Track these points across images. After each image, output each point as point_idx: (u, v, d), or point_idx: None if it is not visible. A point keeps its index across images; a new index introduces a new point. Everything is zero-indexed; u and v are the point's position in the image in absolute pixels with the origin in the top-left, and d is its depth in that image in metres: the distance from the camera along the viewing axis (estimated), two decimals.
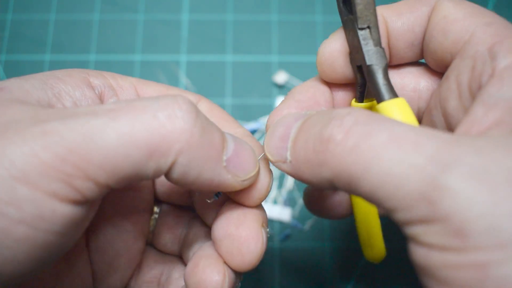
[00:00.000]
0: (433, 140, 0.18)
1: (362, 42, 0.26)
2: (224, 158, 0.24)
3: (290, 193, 0.50)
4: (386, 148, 0.18)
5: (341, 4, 0.27)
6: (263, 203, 0.50)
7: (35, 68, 0.54)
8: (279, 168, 0.25)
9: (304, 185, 0.50)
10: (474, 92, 0.23)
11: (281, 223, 0.49)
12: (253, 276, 0.47)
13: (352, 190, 0.20)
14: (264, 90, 0.54)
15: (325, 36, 0.57)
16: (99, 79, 0.28)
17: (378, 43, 0.26)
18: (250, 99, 0.53)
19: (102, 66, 0.54)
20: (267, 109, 0.53)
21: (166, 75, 0.54)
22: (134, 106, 0.21)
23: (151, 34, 0.56)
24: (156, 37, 0.56)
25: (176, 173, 0.22)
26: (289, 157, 0.23)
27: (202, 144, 0.22)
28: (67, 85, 0.26)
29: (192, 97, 0.31)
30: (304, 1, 0.58)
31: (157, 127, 0.20)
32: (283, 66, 0.55)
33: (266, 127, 0.28)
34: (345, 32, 0.28)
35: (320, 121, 0.22)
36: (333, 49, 0.28)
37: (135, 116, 0.20)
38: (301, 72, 0.54)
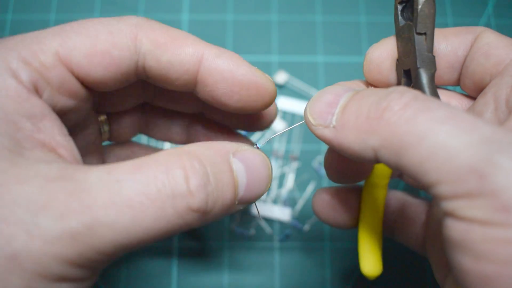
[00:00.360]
0: (489, 125, 0.19)
1: (416, 46, 0.27)
2: (236, 202, 0.25)
3: (290, 193, 0.50)
4: (443, 123, 0.19)
5: (399, 12, 0.29)
6: (263, 203, 0.50)
7: None
8: (316, 133, 0.25)
9: (305, 185, 0.50)
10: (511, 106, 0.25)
11: (281, 223, 0.49)
12: (253, 275, 0.47)
13: (396, 160, 0.21)
14: None
15: (326, 36, 0.58)
16: (24, 71, 0.24)
17: (430, 50, 0.28)
18: None
19: None
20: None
21: None
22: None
23: None
24: None
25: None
26: (334, 122, 0.24)
27: (214, 215, 0.23)
28: None
29: (127, 29, 0.27)
30: (304, 1, 0.58)
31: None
32: (283, 66, 0.55)
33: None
34: (396, 39, 0.29)
35: (376, 94, 0.23)
36: (383, 52, 0.30)
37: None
38: (301, 72, 0.55)
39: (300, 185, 0.50)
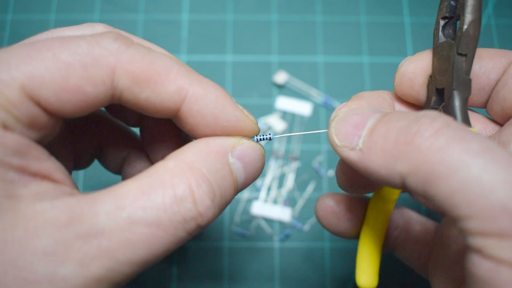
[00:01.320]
0: None
1: (455, 66, 0.27)
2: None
3: (290, 193, 0.50)
4: (478, 156, 0.19)
5: (441, 28, 0.28)
6: (263, 203, 0.50)
7: None
8: (341, 154, 0.24)
9: (305, 185, 0.50)
10: None
11: (281, 223, 0.49)
12: (253, 275, 0.47)
13: (424, 190, 0.20)
14: (264, 90, 0.54)
15: (325, 36, 0.58)
16: None
17: (468, 73, 0.27)
18: (250, 99, 0.53)
19: None
20: (267, 109, 0.53)
21: None
22: None
23: (151, 34, 0.56)
24: (156, 37, 0.56)
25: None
26: (360, 145, 0.23)
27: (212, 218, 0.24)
28: None
29: (103, 61, 0.24)
30: (304, 1, 0.58)
31: None
32: (283, 66, 0.55)
33: (331, 118, 0.27)
34: (433, 55, 0.29)
35: (405, 117, 0.22)
36: (418, 66, 0.29)
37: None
38: (301, 72, 0.55)
39: (300, 185, 0.50)
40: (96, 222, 0.20)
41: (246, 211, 0.49)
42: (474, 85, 0.29)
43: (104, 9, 0.57)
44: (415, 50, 0.56)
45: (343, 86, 0.54)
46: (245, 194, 0.50)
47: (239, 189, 0.25)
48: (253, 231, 0.49)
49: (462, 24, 0.26)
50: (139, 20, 0.57)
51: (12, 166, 0.21)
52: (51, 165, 0.23)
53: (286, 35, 0.56)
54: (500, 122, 0.29)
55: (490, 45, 0.56)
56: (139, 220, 0.21)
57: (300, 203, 0.50)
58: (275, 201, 0.50)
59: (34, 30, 0.56)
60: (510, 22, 0.57)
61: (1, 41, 0.55)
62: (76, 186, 0.24)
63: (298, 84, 0.54)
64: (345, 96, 0.54)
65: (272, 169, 0.51)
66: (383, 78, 0.55)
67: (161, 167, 0.23)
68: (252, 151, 0.26)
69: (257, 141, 0.27)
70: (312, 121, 0.53)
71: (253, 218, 0.49)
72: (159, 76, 0.24)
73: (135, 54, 0.23)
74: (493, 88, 0.28)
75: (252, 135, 0.26)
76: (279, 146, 0.51)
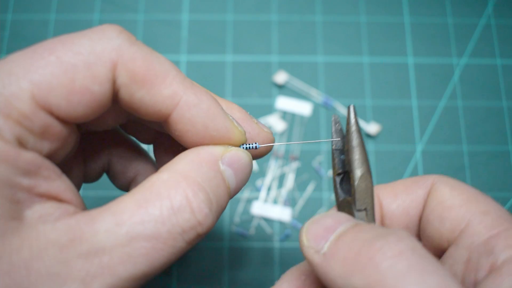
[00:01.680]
0: None
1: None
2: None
3: (290, 193, 0.50)
4: None
5: (338, 185, 0.28)
6: (263, 203, 0.50)
7: None
8: (305, 254, 0.24)
9: (305, 185, 0.50)
10: (468, 285, 0.23)
11: (281, 223, 0.49)
12: (253, 275, 0.47)
13: None
14: (264, 90, 0.54)
15: (326, 36, 0.58)
16: (5, 127, 0.22)
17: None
18: (250, 99, 0.53)
19: None
20: (267, 109, 0.53)
21: None
22: None
23: (151, 34, 0.56)
24: (156, 37, 0.56)
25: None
26: (325, 249, 0.23)
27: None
28: None
29: (106, 59, 0.25)
30: (304, 1, 0.58)
31: None
32: (283, 66, 0.55)
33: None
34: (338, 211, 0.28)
35: (375, 230, 0.22)
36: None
37: None
38: (301, 72, 0.55)
39: (300, 185, 0.50)
40: (96, 241, 0.21)
41: (246, 211, 0.49)
42: (398, 226, 0.28)
43: (104, 9, 0.57)
44: (415, 50, 0.56)
45: (343, 86, 0.54)
46: (245, 194, 0.50)
47: (231, 195, 0.26)
48: (253, 231, 0.49)
49: (353, 181, 0.26)
50: (139, 20, 0.57)
51: (21, 186, 0.21)
52: (60, 184, 0.23)
53: (286, 35, 0.56)
54: (437, 256, 0.27)
55: (490, 45, 0.56)
56: (138, 234, 0.21)
57: (300, 203, 0.50)
58: (275, 201, 0.50)
59: (34, 30, 0.56)
60: (510, 22, 0.57)
61: (1, 41, 0.55)
62: (82, 203, 0.25)
63: (298, 84, 0.54)
64: (345, 96, 0.54)
65: (272, 169, 0.51)
66: (383, 78, 0.55)
67: (156, 180, 0.23)
68: (240, 158, 0.26)
69: (245, 149, 0.27)
70: (312, 121, 0.53)
71: (253, 218, 0.49)
72: (156, 78, 0.24)
73: (137, 52, 0.23)
74: (419, 224, 0.27)
75: (238, 144, 0.27)
76: (279, 146, 0.52)
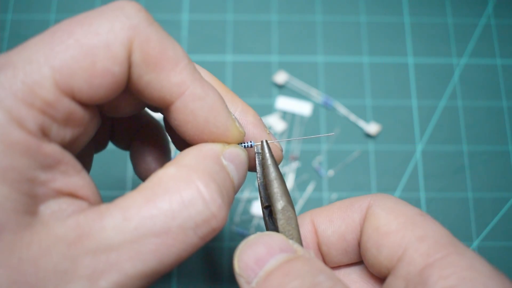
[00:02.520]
0: None
1: None
2: None
3: (290, 193, 0.50)
4: None
5: (267, 217, 0.28)
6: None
7: None
8: (238, 281, 0.24)
9: (305, 185, 0.50)
10: None
11: None
12: None
13: None
14: (264, 90, 0.54)
15: (326, 36, 0.58)
16: (29, 116, 0.22)
17: None
18: (250, 99, 0.53)
19: None
20: (267, 109, 0.53)
21: None
22: None
23: None
24: None
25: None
26: (254, 284, 0.23)
27: None
28: None
29: (123, 35, 0.24)
30: (304, 1, 0.58)
31: None
32: (283, 66, 0.55)
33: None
34: None
35: (308, 275, 0.22)
36: None
37: None
38: (301, 72, 0.55)
39: (300, 185, 0.50)
40: (104, 237, 0.20)
41: (246, 211, 0.49)
42: (336, 251, 0.27)
43: None
44: (415, 50, 0.56)
45: (343, 86, 0.54)
46: (245, 194, 0.50)
47: (235, 190, 0.25)
48: (253, 231, 0.49)
49: (275, 214, 0.26)
50: None
51: (39, 181, 0.21)
52: (78, 181, 0.22)
53: (286, 35, 0.56)
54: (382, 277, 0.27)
55: (490, 45, 0.56)
56: (147, 230, 0.20)
57: (300, 203, 0.50)
58: None
59: (34, 30, 0.56)
60: (510, 22, 0.57)
61: (1, 41, 0.55)
62: (100, 200, 0.24)
63: (298, 84, 0.54)
64: (345, 96, 0.54)
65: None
66: (383, 78, 0.55)
67: (163, 174, 0.22)
68: (238, 154, 0.26)
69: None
70: (312, 121, 0.53)
71: (253, 218, 0.49)
72: (167, 63, 0.23)
73: (153, 34, 0.23)
74: (358, 248, 0.27)
75: (235, 143, 0.26)
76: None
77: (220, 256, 0.48)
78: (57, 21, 0.56)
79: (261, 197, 0.28)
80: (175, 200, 0.21)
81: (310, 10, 0.58)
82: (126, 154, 0.51)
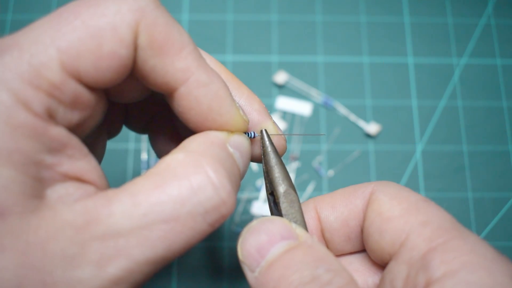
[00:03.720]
0: None
1: None
2: None
3: None
4: None
5: (272, 203, 0.28)
6: (263, 203, 0.49)
7: None
8: (243, 268, 0.24)
9: (305, 185, 0.50)
10: None
11: None
12: None
13: None
14: (264, 90, 0.54)
15: (326, 36, 0.58)
16: (35, 99, 0.22)
17: None
18: None
19: None
20: (267, 109, 0.53)
21: None
22: None
23: None
24: None
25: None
26: (257, 273, 0.23)
27: None
28: None
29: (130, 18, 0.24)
30: (304, 1, 0.58)
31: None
32: (283, 66, 0.55)
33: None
34: None
35: (305, 267, 0.22)
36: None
37: None
38: (301, 72, 0.55)
39: (300, 185, 0.50)
40: (112, 222, 0.20)
41: (246, 211, 0.49)
42: (340, 238, 0.28)
43: None
44: (415, 50, 0.56)
45: (343, 86, 0.54)
46: (245, 194, 0.50)
47: (242, 178, 0.25)
48: None
49: (277, 198, 0.27)
50: None
51: (46, 164, 0.20)
52: (84, 165, 0.22)
53: (286, 35, 0.56)
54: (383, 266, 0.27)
55: (490, 45, 0.56)
56: (156, 216, 0.20)
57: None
58: None
59: None
60: (510, 22, 0.57)
61: None
62: (107, 185, 0.24)
63: (298, 84, 0.54)
64: (345, 96, 0.54)
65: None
66: (383, 78, 0.55)
67: (171, 160, 0.22)
68: (243, 142, 0.26)
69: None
70: (312, 121, 0.53)
71: (253, 218, 0.49)
72: (172, 48, 0.23)
73: (159, 17, 0.23)
74: (361, 235, 0.27)
75: (239, 131, 0.26)
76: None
77: (220, 256, 0.48)
78: None
79: (266, 185, 0.28)
80: (184, 185, 0.21)
81: (310, 10, 0.58)
82: (126, 153, 0.51)
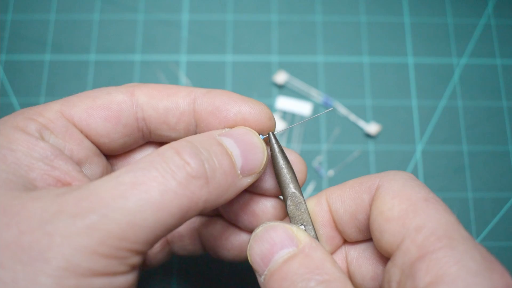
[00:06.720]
0: None
1: None
2: (238, 172, 0.26)
3: None
4: None
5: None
6: None
7: (35, 68, 0.54)
8: (253, 268, 0.27)
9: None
10: None
11: None
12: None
13: None
14: (264, 90, 0.54)
15: (326, 36, 0.58)
16: (30, 125, 0.26)
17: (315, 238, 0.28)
18: None
19: (102, 66, 0.54)
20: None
21: (166, 75, 0.54)
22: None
23: (151, 34, 0.56)
24: (156, 37, 0.56)
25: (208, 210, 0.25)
26: (262, 280, 0.25)
27: (219, 183, 0.24)
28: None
29: (124, 89, 0.30)
30: (304, 1, 0.58)
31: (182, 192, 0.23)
32: (283, 66, 0.55)
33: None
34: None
35: (299, 281, 0.24)
36: None
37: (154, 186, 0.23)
38: (301, 72, 0.54)
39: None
40: (92, 187, 0.22)
41: None
42: (350, 229, 0.28)
43: (104, 9, 0.57)
44: (415, 50, 0.56)
45: (343, 86, 0.54)
46: None
47: (240, 163, 0.26)
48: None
49: (285, 201, 0.28)
50: (139, 20, 0.57)
51: (36, 169, 0.24)
52: (76, 175, 0.26)
53: (286, 35, 0.56)
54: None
55: (490, 45, 0.56)
56: (128, 175, 0.22)
57: None
58: None
59: (34, 30, 0.56)
60: (510, 22, 0.57)
61: (1, 41, 0.55)
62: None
63: (298, 84, 0.54)
64: (345, 96, 0.54)
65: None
66: (383, 78, 0.55)
67: (150, 154, 0.25)
68: (239, 130, 0.27)
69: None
70: (312, 121, 0.53)
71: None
72: (170, 90, 0.29)
73: (149, 84, 0.30)
74: (368, 227, 0.27)
75: (267, 124, 0.29)
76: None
77: None
78: (57, 21, 0.56)
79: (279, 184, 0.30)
80: (153, 155, 0.24)
81: (310, 10, 0.58)
82: None
